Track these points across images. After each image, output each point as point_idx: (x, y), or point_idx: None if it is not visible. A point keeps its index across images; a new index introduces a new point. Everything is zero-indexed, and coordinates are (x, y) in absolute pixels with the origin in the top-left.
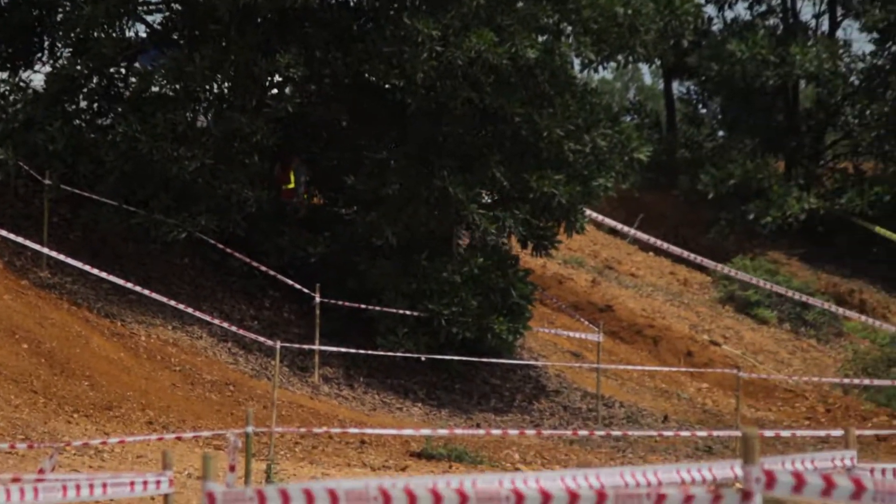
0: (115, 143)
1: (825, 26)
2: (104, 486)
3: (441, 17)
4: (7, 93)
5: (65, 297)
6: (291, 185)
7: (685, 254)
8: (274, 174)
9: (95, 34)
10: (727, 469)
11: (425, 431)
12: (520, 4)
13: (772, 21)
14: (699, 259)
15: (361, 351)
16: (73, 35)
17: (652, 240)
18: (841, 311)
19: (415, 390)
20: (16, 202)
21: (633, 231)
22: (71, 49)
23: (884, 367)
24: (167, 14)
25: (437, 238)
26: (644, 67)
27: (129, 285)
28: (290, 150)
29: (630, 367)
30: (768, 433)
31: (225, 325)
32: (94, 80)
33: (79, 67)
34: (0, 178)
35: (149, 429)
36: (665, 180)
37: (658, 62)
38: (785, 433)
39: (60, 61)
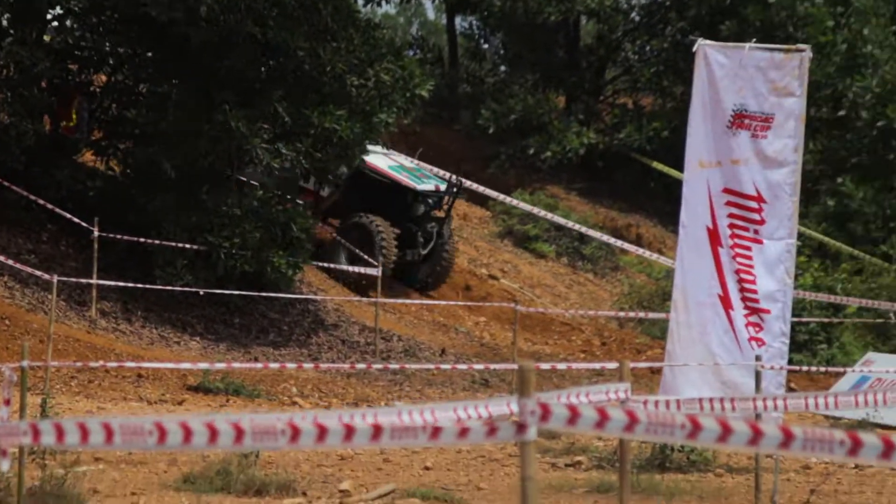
0: None
1: None
2: None
3: None
4: None
5: None
6: (73, 123)
7: (468, 184)
8: (53, 109)
9: None
10: (503, 405)
11: (203, 365)
12: None
13: None
14: (482, 189)
15: (140, 285)
16: None
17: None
18: (619, 243)
19: (193, 324)
20: None
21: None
22: None
23: (658, 301)
24: None
25: (217, 171)
26: (427, 2)
27: None
28: (71, 83)
29: (408, 302)
30: (544, 366)
31: (1, 258)
32: None
33: None
34: None
35: None
36: (447, 115)
37: None
38: (561, 366)
39: None
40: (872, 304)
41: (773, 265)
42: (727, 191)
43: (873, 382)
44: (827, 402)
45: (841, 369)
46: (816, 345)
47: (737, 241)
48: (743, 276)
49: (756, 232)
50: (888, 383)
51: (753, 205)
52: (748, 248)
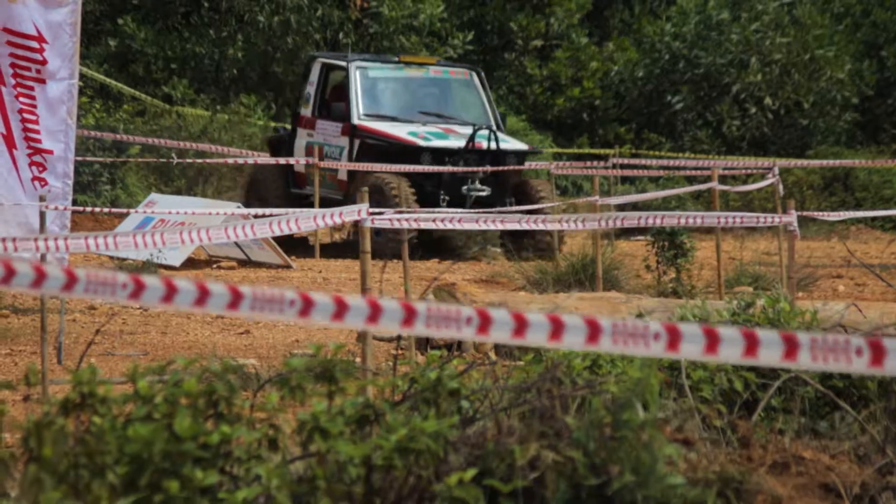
0: None
1: None
2: None
3: None
4: None
5: None
6: None
7: None
8: None
9: None
10: None
11: None
12: None
13: None
14: None
15: None
16: None
17: None
18: None
19: None
20: None
21: None
22: None
23: None
24: None
25: None
26: None
27: None
28: None
29: None
30: None
31: None
32: None
33: None
34: None
35: None
36: None
37: None
38: None
39: None
40: (156, 142)
41: (56, 106)
42: (7, 30)
43: (157, 223)
44: (107, 242)
45: (125, 210)
46: (101, 185)
47: (20, 80)
48: (26, 115)
49: (38, 72)
50: (170, 224)
51: (34, 44)
52: (31, 89)
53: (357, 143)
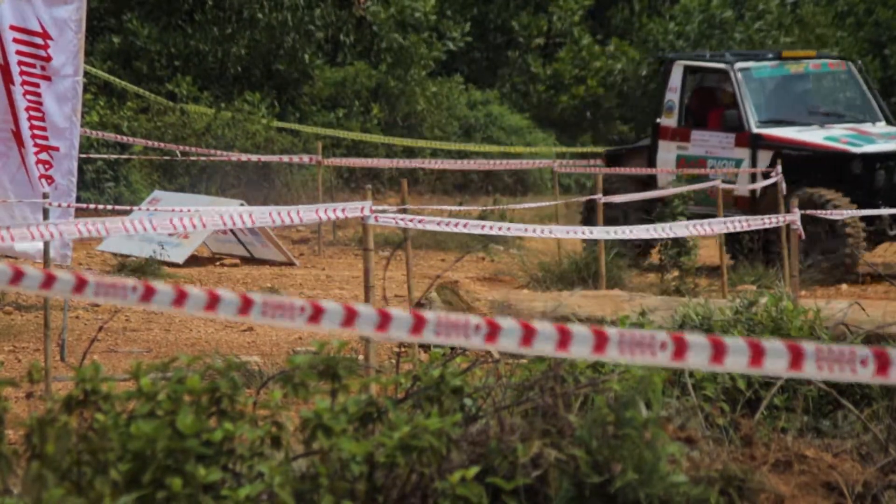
0: None
1: None
2: None
3: None
4: None
5: None
6: None
7: None
8: None
9: None
10: None
11: None
12: None
13: None
14: None
15: None
16: None
17: None
18: None
19: None
20: None
21: None
22: None
23: None
24: None
25: None
26: None
27: None
28: None
29: None
30: None
31: None
32: None
33: None
34: None
35: None
36: None
37: None
38: None
39: None
40: (158, 144)
41: (62, 102)
42: (14, 28)
43: None
44: (98, 228)
45: (128, 207)
46: (104, 182)
47: (26, 77)
48: (33, 113)
49: (44, 69)
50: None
51: (39, 41)
52: (37, 86)
53: (761, 154)
